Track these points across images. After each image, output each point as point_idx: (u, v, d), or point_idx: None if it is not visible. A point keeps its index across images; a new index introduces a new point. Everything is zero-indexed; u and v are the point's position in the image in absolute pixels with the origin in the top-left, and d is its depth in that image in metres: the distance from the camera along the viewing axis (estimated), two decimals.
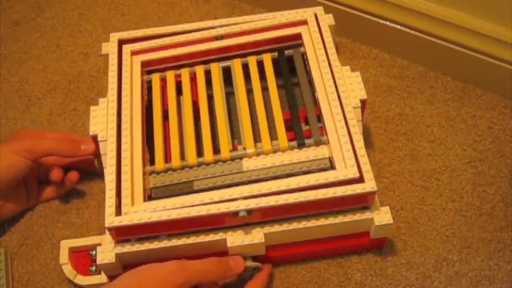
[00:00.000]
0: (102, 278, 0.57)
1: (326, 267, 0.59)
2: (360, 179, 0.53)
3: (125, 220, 0.51)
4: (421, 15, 0.69)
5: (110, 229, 0.52)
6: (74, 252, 0.59)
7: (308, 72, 0.62)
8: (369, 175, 0.53)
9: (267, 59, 0.63)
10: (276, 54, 0.64)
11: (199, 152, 0.58)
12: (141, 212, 0.52)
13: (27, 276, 0.60)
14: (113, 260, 0.53)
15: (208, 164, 0.57)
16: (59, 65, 0.78)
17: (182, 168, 0.57)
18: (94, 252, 0.57)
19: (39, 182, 0.65)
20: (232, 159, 0.57)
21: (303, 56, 0.64)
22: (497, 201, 0.62)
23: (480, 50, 0.67)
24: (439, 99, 0.70)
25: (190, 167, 0.57)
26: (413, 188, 0.64)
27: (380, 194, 0.63)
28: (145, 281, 0.48)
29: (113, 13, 0.84)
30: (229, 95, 0.64)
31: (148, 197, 0.55)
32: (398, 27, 0.72)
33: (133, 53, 0.64)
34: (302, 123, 0.59)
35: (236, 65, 0.63)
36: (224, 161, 0.57)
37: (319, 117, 0.58)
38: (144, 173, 0.56)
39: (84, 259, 0.58)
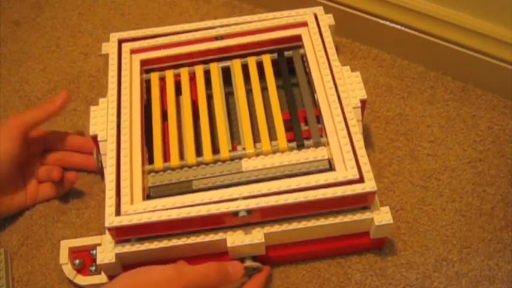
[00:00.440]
0: (102, 278, 0.57)
1: (326, 267, 0.59)
2: (360, 179, 0.53)
3: (124, 220, 0.51)
4: (421, 15, 0.69)
5: (109, 229, 0.52)
6: (74, 252, 0.59)
7: (308, 74, 0.62)
8: (369, 175, 0.53)
9: (267, 60, 0.63)
10: (275, 55, 0.64)
11: (199, 152, 0.58)
12: (140, 210, 0.52)
13: (27, 276, 0.60)
14: (113, 260, 0.53)
15: (207, 164, 0.57)
16: (59, 65, 0.78)
17: (181, 167, 0.57)
18: (94, 252, 0.57)
19: (39, 181, 0.65)
20: (232, 159, 0.57)
21: (303, 57, 0.64)
22: (497, 201, 0.62)
23: (480, 50, 0.67)
24: (439, 99, 0.70)
25: (189, 167, 0.57)
26: (413, 188, 0.64)
27: (380, 194, 0.63)
28: (142, 284, 0.47)
29: (113, 13, 0.84)
30: (229, 95, 0.64)
31: (147, 196, 0.55)
32: (398, 27, 0.72)
33: (133, 51, 0.64)
34: (302, 123, 0.60)
35: (236, 66, 0.63)
36: (223, 161, 0.57)
37: (319, 118, 0.58)
38: (143, 172, 0.56)
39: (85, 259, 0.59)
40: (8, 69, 0.78)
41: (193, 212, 0.52)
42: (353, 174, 0.53)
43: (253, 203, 0.52)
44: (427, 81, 0.72)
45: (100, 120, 0.59)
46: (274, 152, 0.57)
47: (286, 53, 0.64)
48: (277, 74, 0.63)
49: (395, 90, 0.72)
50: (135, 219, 0.51)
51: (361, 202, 0.54)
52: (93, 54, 0.79)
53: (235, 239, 0.54)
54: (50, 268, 0.61)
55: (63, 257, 0.57)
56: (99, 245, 0.54)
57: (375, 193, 0.53)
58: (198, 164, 0.57)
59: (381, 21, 0.73)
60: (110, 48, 0.64)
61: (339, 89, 0.58)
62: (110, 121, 0.58)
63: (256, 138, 0.58)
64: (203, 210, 0.52)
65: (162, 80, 0.64)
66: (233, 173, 0.56)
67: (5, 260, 0.60)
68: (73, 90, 0.75)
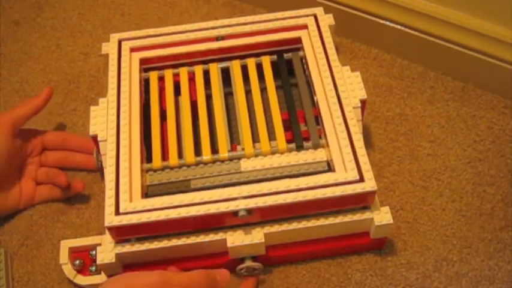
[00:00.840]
0: (102, 278, 0.57)
1: (326, 267, 0.59)
2: (360, 179, 0.53)
3: (124, 220, 0.51)
4: (421, 15, 0.69)
5: (109, 228, 0.52)
6: (74, 252, 0.59)
7: (307, 76, 0.62)
8: (368, 174, 0.53)
9: (266, 61, 0.63)
10: (275, 57, 0.64)
11: (198, 152, 0.58)
12: (139, 208, 0.52)
13: (27, 276, 0.60)
14: (113, 260, 0.53)
15: (206, 164, 0.57)
16: (59, 65, 0.78)
17: (180, 166, 0.57)
18: (94, 252, 0.57)
19: (37, 182, 0.65)
20: (230, 159, 0.57)
21: (302, 60, 0.64)
22: (497, 201, 0.62)
23: (480, 50, 0.67)
24: (439, 99, 0.70)
25: (188, 166, 0.57)
26: (413, 188, 0.64)
27: (380, 194, 0.63)
28: None
29: (113, 13, 0.84)
30: (228, 95, 0.64)
31: (145, 194, 0.55)
32: (398, 27, 0.72)
33: (133, 49, 0.64)
34: (301, 123, 0.60)
35: (235, 66, 0.63)
36: (222, 161, 0.57)
37: (318, 119, 0.58)
38: (142, 170, 0.56)
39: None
40: (8, 69, 0.78)
41: (193, 211, 0.52)
42: (353, 176, 0.53)
43: (252, 203, 0.52)
44: (427, 81, 0.72)
45: (100, 120, 0.59)
46: (273, 153, 0.57)
47: (285, 55, 0.64)
48: (276, 75, 0.63)
49: (395, 90, 0.72)
50: (135, 219, 0.51)
51: (361, 202, 0.54)
52: (93, 54, 0.79)
53: (235, 239, 0.54)
54: (50, 268, 0.61)
55: (63, 257, 0.57)
56: (99, 245, 0.54)
57: (375, 193, 0.53)
58: (197, 164, 0.57)
59: (381, 21, 0.73)
60: (110, 48, 0.64)
61: (339, 89, 0.58)
62: (110, 121, 0.58)
63: (255, 139, 0.58)
64: (202, 210, 0.52)
65: (161, 80, 0.64)
66: (232, 173, 0.56)
67: (5, 260, 0.60)
68: (73, 90, 0.75)
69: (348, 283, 0.58)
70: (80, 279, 0.57)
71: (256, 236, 0.54)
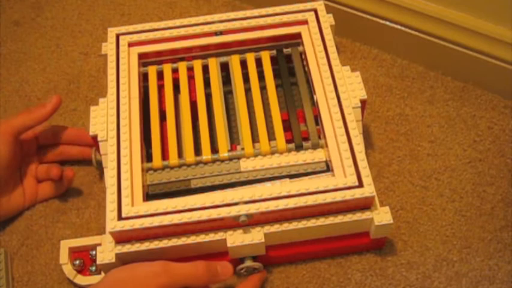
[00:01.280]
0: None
1: (326, 267, 0.59)
2: (359, 184, 0.53)
3: (127, 225, 0.51)
4: (421, 15, 0.69)
5: (112, 233, 0.52)
6: (74, 252, 0.59)
7: (307, 72, 0.62)
8: (367, 180, 0.53)
9: (266, 56, 0.63)
10: (274, 52, 0.64)
11: (197, 151, 0.58)
12: (142, 213, 0.52)
13: (27, 276, 0.60)
14: (113, 260, 0.53)
15: (206, 163, 0.57)
16: (59, 65, 0.78)
17: (180, 166, 0.57)
18: (94, 252, 0.57)
19: (38, 180, 0.65)
20: (230, 159, 0.57)
21: (301, 55, 0.64)
22: (497, 201, 0.62)
23: (480, 50, 0.67)
24: (439, 99, 0.70)
25: (188, 166, 0.57)
26: (413, 188, 0.64)
27: (380, 194, 0.63)
28: (129, 279, 0.48)
29: (113, 13, 0.84)
30: (228, 94, 0.64)
31: (145, 194, 0.55)
32: (398, 27, 0.72)
33: (131, 44, 0.64)
34: (301, 123, 0.60)
35: (234, 61, 0.63)
36: (222, 161, 0.57)
37: (318, 118, 0.58)
38: (142, 170, 0.56)
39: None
40: (8, 69, 0.78)
41: (195, 216, 0.52)
42: (352, 181, 0.53)
43: (253, 208, 0.52)
44: (427, 81, 0.72)
45: (100, 120, 0.59)
46: (272, 153, 0.57)
47: (285, 50, 0.64)
48: (276, 73, 0.63)
49: (395, 90, 0.72)
50: (137, 224, 0.51)
51: (360, 206, 0.54)
52: (93, 54, 0.79)
53: (235, 239, 0.54)
54: (50, 268, 0.61)
55: (63, 257, 0.57)
56: (99, 245, 0.54)
57: (374, 197, 0.53)
58: (197, 163, 0.57)
59: (381, 21, 0.73)
60: (108, 43, 0.63)
61: (339, 89, 0.58)
62: (110, 122, 0.58)
63: (255, 139, 0.58)
64: (204, 215, 0.52)
65: (160, 74, 0.63)
66: (231, 172, 0.56)
67: (5, 260, 0.60)
68: (73, 90, 0.75)
69: (348, 283, 0.58)
70: (80, 279, 0.57)
71: (256, 236, 0.54)
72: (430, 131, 0.68)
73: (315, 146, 0.57)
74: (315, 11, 0.64)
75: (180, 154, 0.59)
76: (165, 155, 0.58)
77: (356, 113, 0.57)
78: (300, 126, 0.59)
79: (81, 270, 0.58)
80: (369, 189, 0.52)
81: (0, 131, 0.60)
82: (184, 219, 0.52)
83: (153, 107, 0.60)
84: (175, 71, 0.64)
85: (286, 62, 0.64)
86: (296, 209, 0.52)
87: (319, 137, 0.58)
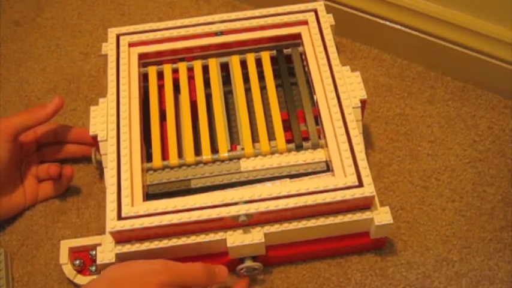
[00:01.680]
0: None
1: (326, 267, 0.59)
2: (359, 184, 0.53)
3: (127, 225, 0.52)
4: (421, 15, 0.69)
5: (111, 233, 0.52)
6: (74, 252, 0.59)
7: (307, 73, 0.62)
8: (367, 180, 0.53)
9: (266, 57, 0.63)
10: (274, 52, 0.64)
11: (197, 151, 0.58)
12: (142, 212, 0.52)
13: (27, 276, 0.60)
14: (113, 260, 0.53)
15: (206, 163, 0.57)
16: (59, 65, 0.78)
17: (179, 166, 0.57)
18: (94, 252, 0.57)
19: (39, 180, 0.65)
20: (230, 159, 0.57)
21: (301, 55, 0.64)
22: (497, 201, 0.62)
23: (480, 50, 0.67)
24: (439, 99, 0.70)
25: (188, 166, 0.57)
26: (413, 188, 0.64)
27: (380, 194, 0.63)
28: (128, 276, 0.48)
29: (113, 13, 0.84)
30: (228, 94, 0.64)
31: (145, 194, 0.55)
32: (398, 27, 0.72)
33: (131, 44, 0.64)
34: (301, 123, 0.60)
35: (234, 61, 0.63)
36: (222, 161, 0.57)
37: (318, 119, 0.58)
38: (142, 170, 0.56)
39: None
40: (8, 69, 0.78)
41: (194, 216, 0.52)
42: (352, 181, 0.53)
43: (253, 208, 0.52)
44: (427, 81, 0.72)
45: (100, 120, 0.59)
46: (272, 153, 0.57)
47: (285, 51, 0.64)
48: (276, 74, 0.63)
49: (395, 90, 0.72)
50: (137, 224, 0.51)
51: (360, 205, 0.54)
52: (93, 54, 0.79)
53: (235, 239, 0.54)
54: (50, 268, 0.61)
55: (63, 257, 0.57)
56: (99, 245, 0.54)
57: (374, 197, 0.53)
58: (197, 163, 0.57)
59: (381, 21, 0.73)
60: (108, 43, 0.64)
61: (339, 89, 0.58)
62: (110, 122, 0.58)
63: (255, 139, 0.58)
64: (204, 215, 0.52)
65: (160, 75, 0.63)
66: (231, 172, 0.56)
67: (5, 260, 0.60)
68: (73, 90, 0.75)
69: (348, 283, 0.58)
70: (80, 279, 0.57)
71: (256, 236, 0.54)
72: (430, 131, 0.68)
73: (315, 146, 0.57)
74: (315, 11, 0.65)
75: (180, 154, 0.59)
76: (165, 155, 0.58)
77: (356, 113, 0.57)
78: (300, 126, 0.59)
79: (81, 270, 0.58)
80: (368, 189, 0.52)
81: (0, 129, 0.60)
82: (184, 219, 0.52)
83: (153, 107, 0.60)
84: (175, 71, 0.64)
85: (287, 63, 0.64)
86: (296, 209, 0.52)
87: (319, 137, 0.58)
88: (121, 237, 0.53)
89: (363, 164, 0.54)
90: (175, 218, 0.52)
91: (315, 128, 0.58)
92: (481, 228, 0.60)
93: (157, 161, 0.57)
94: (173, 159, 0.57)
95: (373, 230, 0.55)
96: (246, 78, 0.62)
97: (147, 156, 0.59)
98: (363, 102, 0.59)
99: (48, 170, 0.63)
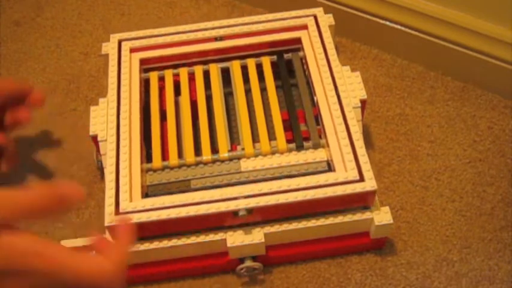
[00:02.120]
0: None
1: (326, 267, 0.59)
2: (360, 178, 0.53)
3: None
4: (421, 15, 0.69)
5: (109, 228, 0.52)
6: None
7: (307, 76, 0.62)
8: (369, 174, 0.53)
9: (266, 62, 0.63)
10: (275, 57, 0.64)
11: (197, 151, 0.58)
12: (139, 208, 0.52)
13: None
14: None
15: (206, 164, 0.57)
16: (59, 65, 0.78)
17: (179, 166, 0.57)
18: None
19: None
20: (230, 159, 0.57)
21: (302, 60, 0.64)
22: (497, 201, 0.62)
23: (480, 50, 0.67)
24: (439, 99, 0.70)
25: (188, 166, 0.57)
26: (413, 188, 0.64)
27: (380, 194, 0.63)
28: None
29: (113, 13, 0.84)
30: (228, 95, 0.64)
31: (145, 194, 0.55)
32: (398, 27, 0.72)
33: (133, 50, 0.64)
34: (301, 123, 0.60)
35: (235, 67, 0.63)
36: (222, 161, 0.57)
37: (318, 118, 0.58)
38: (142, 170, 0.56)
39: None
40: (8, 69, 0.78)
41: (192, 211, 0.52)
42: (353, 175, 0.53)
43: (253, 202, 0.52)
44: (427, 81, 0.72)
45: (100, 120, 0.59)
46: (273, 153, 0.57)
47: (285, 56, 0.64)
48: (276, 75, 0.63)
49: (395, 90, 0.72)
50: (135, 218, 0.51)
51: (361, 201, 0.54)
52: (93, 54, 0.79)
53: (235, 239, 0.54)
54: None
55: None
56: None
57: (375, 192, 0.53)
58: (197, 164, 0.57)
59: (381, 21, 0.73)
60: (110, 48, 0.64)
61: (339, 89, 0.58)
62: (110, 121, 0.58)
63: (255, 139, 0.58)
64: (202, 210, 0.52)
65: (161, 80, 0.64)
66: (232, 173, 0.56)
67: None
68: (73, 90, 0.75)
69: (348, 283, 0.58)
70: None
71: (256, 236, 0.54)
72: (430, 131, 0.68)
73: (315, 146, 0.57)
74: (315, 16, 0.65)
75: (180, 154, 0.59)
76: (165, 155, 0.58)
77: (356, 113, 0.57)
78: (301, 126, 0.59)
79: None
80: (370, 183, 0.52)
81: None
82: (183, 214, 0.51)
83: (154, 108, 0.60)
84: (176, 76, 0.64)
85: (287, 67, 0.64)
86: (296, 204, 0.52)
87: (320, 137, 0.58)
88: None
89: (363, 159, 0.54)
90: (173, 213, 0.51)
91: (315, 127, 0.58)
92: (481, 228, 0.60)
93: (157, 161, 0.57)
94: (173, 159, 0.57)
95: (373, 230, 0.55)
96: (246, 79, 0.63)
97: (147, 157, 0.59)
98: (363, 102, 0.59)
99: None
